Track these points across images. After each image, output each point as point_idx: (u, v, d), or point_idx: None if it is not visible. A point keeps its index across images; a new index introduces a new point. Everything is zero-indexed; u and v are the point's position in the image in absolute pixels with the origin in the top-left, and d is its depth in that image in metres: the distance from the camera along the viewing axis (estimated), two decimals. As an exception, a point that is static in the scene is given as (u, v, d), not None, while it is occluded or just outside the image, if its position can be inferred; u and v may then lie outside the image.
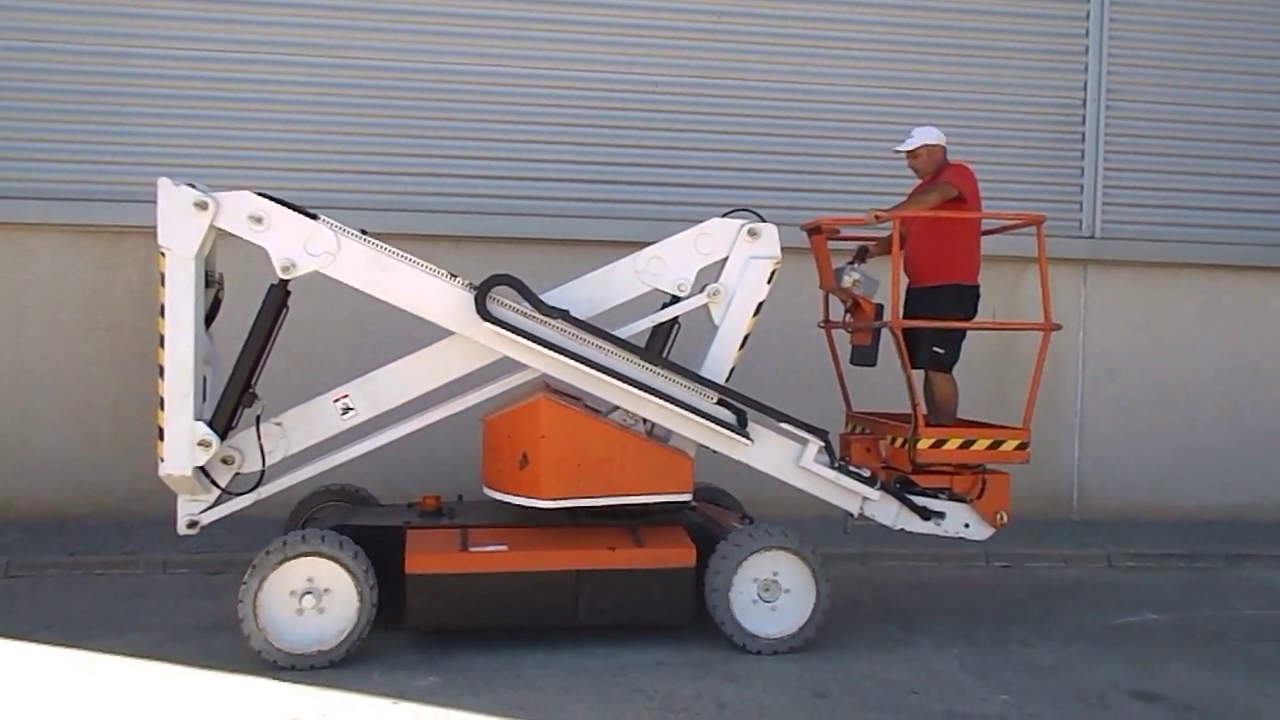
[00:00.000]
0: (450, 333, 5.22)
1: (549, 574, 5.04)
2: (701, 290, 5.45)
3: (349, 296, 5.21)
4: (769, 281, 5.43)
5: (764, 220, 5.49)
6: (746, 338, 5.47)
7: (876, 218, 5.57)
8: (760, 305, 5.44)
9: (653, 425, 5.36)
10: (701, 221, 5.50)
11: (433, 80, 8.06)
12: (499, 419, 5.27)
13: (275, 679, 4.65)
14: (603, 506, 5.14)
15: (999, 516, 5.60)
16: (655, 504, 5.22)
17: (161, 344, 4.86)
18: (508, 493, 5.17)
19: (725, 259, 5.45)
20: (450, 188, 8.08)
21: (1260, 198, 9.04)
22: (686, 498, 5.26)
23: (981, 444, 5.55)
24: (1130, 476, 8.89)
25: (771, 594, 5.16)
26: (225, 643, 5.12)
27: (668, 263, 5.43)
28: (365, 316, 7.48)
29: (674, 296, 5.47)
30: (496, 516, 5.36)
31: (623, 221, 8.05)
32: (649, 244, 5.50)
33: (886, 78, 8.55)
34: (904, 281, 5.81)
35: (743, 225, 5.42)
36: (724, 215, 5.53)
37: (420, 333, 5.28)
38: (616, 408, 5.33)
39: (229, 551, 6.65)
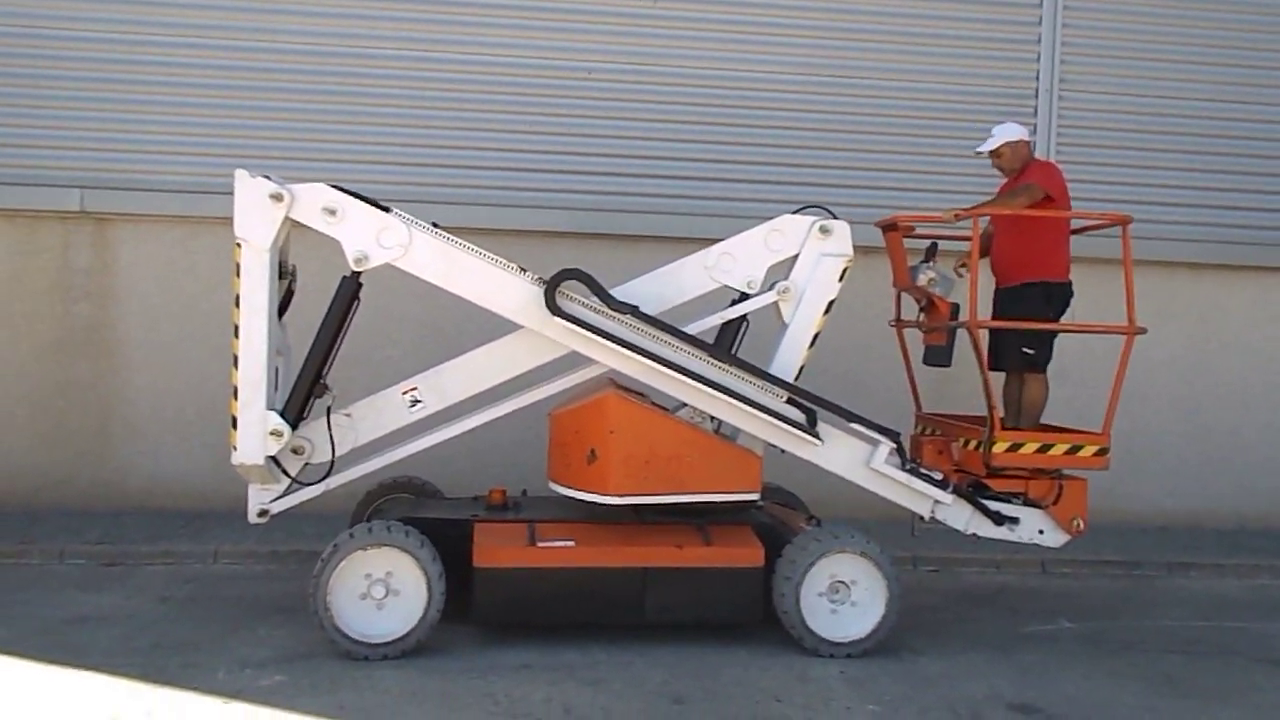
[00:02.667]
0: (518, 327, 5.21)
1: (616, 570, 5.01)
2: (771, 288, 5.38)
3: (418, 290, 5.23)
4: (840, 279, 5.35)
5: (836, 217, 5.41)
6: (817, 336, 5.39)
7: (956, 216, 5.46)
8: (831, 303, 5.36)
9: (720, 423, 5.30)
10: (772, 218, 5.43)
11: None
12: (567, 414, 5.24)
13: (112, 675, 4.47)
14: (670, 504, 5.09)
15: (1075, 523, 5.46)
16: (723, 503, 5.16)
17: (236, 334, 4.92)
18: (575, 488, 5.13)
19: (796, 256, 5.38)
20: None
21: (1217, 193, 8.63)
22: (755, 497, 5.19)
23: (1059, 449, 5.42)
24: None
25: (841, 597, 5.08)
26: (85, 637, 4.96)
27: (738, 259, 5.37)
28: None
29: (743, 294, 5.41)
30: (563, 512, 5.34)
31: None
32: (718, 240, 5.44)
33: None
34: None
35: (814, 222, 5.35)
36: (795, 212, 5.46)
37: (487, 327, 5.27)
38: (683, 405, 5.29)
39: (130, 543, 6.59)
